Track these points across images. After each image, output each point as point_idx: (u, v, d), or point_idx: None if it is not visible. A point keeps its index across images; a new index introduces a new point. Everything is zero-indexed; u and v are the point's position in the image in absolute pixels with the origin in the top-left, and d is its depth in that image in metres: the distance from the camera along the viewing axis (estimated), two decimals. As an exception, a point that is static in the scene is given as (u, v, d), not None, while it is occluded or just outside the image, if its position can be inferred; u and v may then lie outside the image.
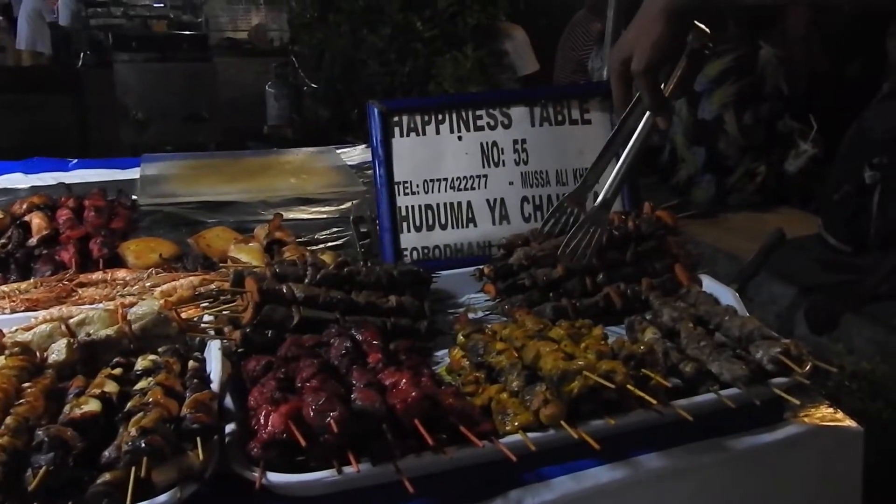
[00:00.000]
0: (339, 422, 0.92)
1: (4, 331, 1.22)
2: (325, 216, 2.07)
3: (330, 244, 1.83)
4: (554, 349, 1.11)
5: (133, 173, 2.31)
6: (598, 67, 4.63)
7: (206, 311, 1.30)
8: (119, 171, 2.38)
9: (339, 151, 2.63)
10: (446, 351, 1.32)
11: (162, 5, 8.82)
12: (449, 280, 1.53)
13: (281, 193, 2.17)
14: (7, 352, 1.14)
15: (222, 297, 1.37)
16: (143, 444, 0.90)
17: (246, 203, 2.10)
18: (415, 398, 0.97)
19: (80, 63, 6.76)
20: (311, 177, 2.33)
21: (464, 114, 1.66)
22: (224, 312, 1.31)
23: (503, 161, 1.66)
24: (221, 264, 1.55)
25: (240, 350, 1.23)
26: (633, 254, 1.47)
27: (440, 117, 1.65)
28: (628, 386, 1.04)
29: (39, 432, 0.93)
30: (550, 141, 1.68)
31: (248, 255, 1.64)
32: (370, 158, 1.66)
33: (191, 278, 1.44)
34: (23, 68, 8.35)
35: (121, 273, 1.54)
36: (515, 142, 1.67)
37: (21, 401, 1.02)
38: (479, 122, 1.66)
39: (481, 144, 1.66)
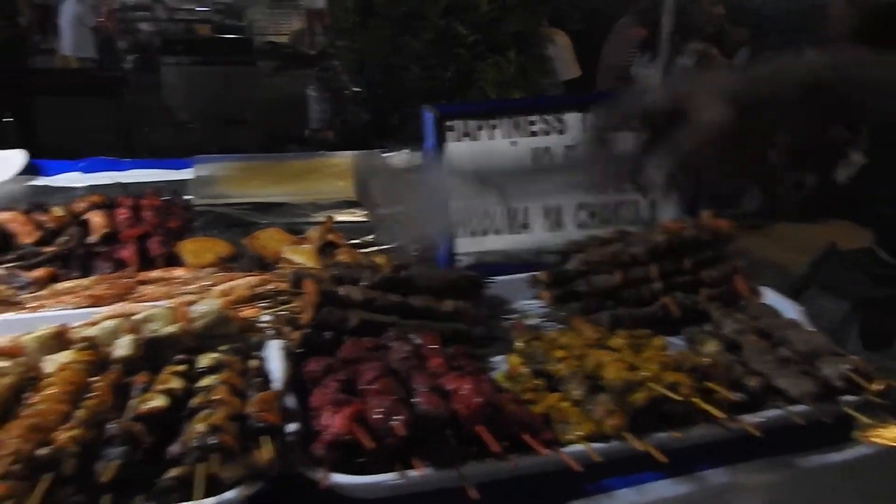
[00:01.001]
0: (404, 425, 0.92)
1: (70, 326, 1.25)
2: (373, 220, 2.07)
3: (381, 247, 1.83)
4: (616, 359, 1.10)
5: (185, 174, 2.35)
6: (643, 74, 4.61)
7: (264, 312, 1.32)
8: (171, 171, 2.42)
9: (384, 156, 2.63)
10: (501, 357, 1.31)
11: (206, 9, 8.98)
12: (502, 286, 1.53)
13: (330, 196, 2.18)
14: (75, 346, 1.16)
15: (279, 298, 1.38)
16: (212, 441, 0.91)
17: (295, 205, 2.12)
18: (478, 404, 0.97)
19: (126, 66, 6.90)
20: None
21: (517, 120, 1.65)
22: (281, 313, 1.33)
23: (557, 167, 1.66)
24: (277, 265, 1.57)
25: (299, 351, 1.24)
26: (691, 263, 1.45)
27: (493, 123, 1.65)
28: (694, 399, 1.02)
29: (110, 426, 0.95)
30: (605, 148, 1.67)
31: (301, 256, 1.65)
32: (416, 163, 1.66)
33: (248, 278, 1.46)
34: (70, 71, 8.55)
35: (179, 272, 1.56)
36: (569, 148, 1.66)
37: (90, 394, 1.04)
38: (533, 128, 1.66)
39: (534, 150, 1.66)
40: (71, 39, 8.73)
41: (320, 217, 2.03)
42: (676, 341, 1.33)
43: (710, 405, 1.03)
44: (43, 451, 0.88)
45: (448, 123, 1.62)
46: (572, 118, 1.66)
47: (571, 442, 1.01)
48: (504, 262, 1.64)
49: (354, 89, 5.83)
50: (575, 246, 1.49)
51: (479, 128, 1.63)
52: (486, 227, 1.64)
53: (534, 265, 1.61)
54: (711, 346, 1.23)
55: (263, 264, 1.65)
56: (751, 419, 1.05)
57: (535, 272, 1.52)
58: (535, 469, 0.99)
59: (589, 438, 1.01)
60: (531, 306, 1.52)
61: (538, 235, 1.65)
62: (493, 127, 1.64)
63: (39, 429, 0.92)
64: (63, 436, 0.92)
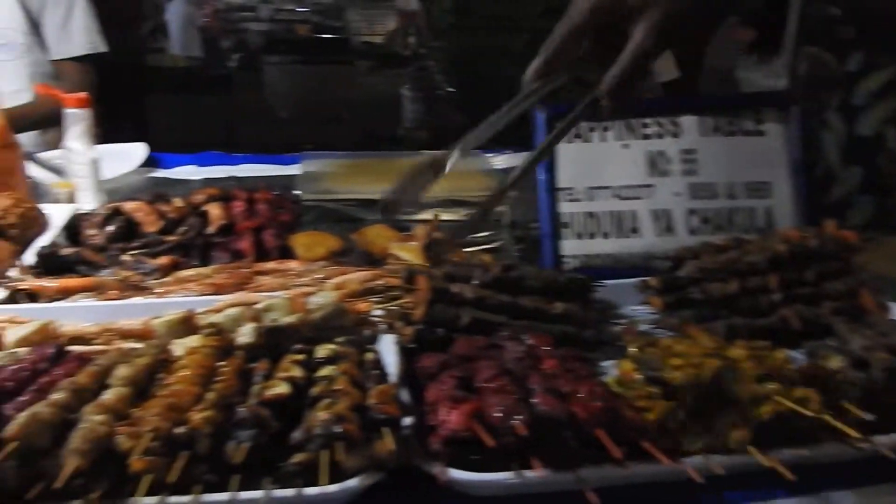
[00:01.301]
0: (526, 425, 0.92)
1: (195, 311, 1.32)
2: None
3: (485, 247, 1.84)
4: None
5: (292, 169, 2.43)
6: (749, 78, 4.45)
7: (378, 307, 1.34)
8: (279, 167, 2.50)
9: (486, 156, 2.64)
10: (611, 362, 1.30)
11: (306, 10, 9.23)
12: (609, 290, 1.51)
13: (433, 195, 2.20)
14: (203, 332, 1.22)
15: (390, 294, 1.41)
16: (336, 430, 0.94)
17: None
18: (598, 408, 0.96)
19: (230, 65, 7.19)
20: (460, 179, 2.35)
21: (631, 121, 1.63)
22: (392, 308, 1.35)
23: (670, 171, 1.62)
24: (385, 261, 1.60)
25: (411, 346, 1.26)
26: (813, 274, 1.39)
27: (605, 124, 1.63)
28: (824, 416, 0.98)
29: (240, 409, 0.99)
30: (721, 152, 1.62)
31: (408, 253, 1.67)
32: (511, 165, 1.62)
33: (360, 273, 1.49)
34: (178, 69, 8.96)
35: (292, 264, 1.62)
36: (684, 152, 1.62)
37: (218, 378, 1.09)
38: (647, 131, 1.63)
39: (648, 153, 1.63)
40: (179, 39, 9.16)
41: (424, 215, 2.06)
42: (796, 355, 1.28)
43: (841, 423, 0.99)
44: (180, 430, 0.93)
45: (559, 124, 1.60)
46: (688, 121, 1.62)
47: (691, 453, 0.99)
48: (611, 266, 1.62)
49: (448, 89, 5.88)
50: (688, 252, 1.46)
51: (591, 129, 1.62)
52: (594, 231, 1.62)
53: (642, 270, 1.59)
54: (836, 362, 1.18)
55: (372, 260, 1.69)
56: (884, 440, 1.00)
57: (643, 277, 1.49)
58: (654, 477, 0.97)
59: (710, 450, 0.99)
60: (639, 312, 1.50)
61: (648, 240, 1.62)
62: (605, 129, 1.62)
63: (175, 408, 0.97)
64: (197, 416, 0.96)
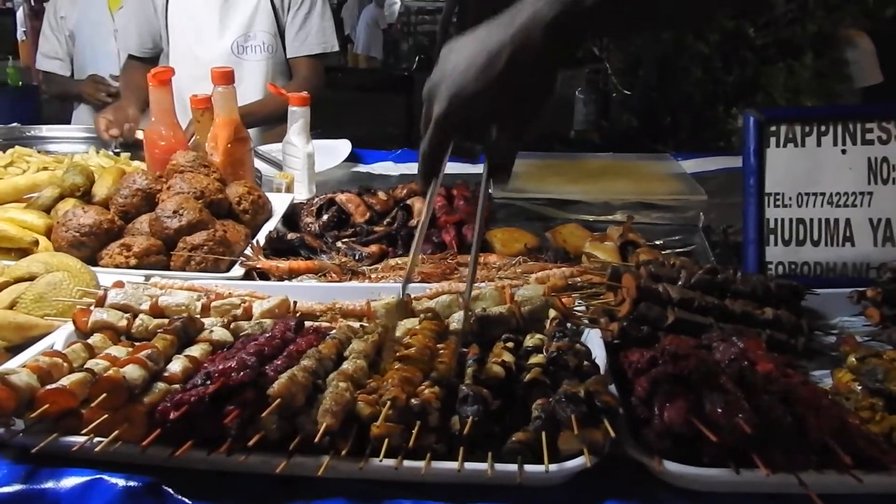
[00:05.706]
0: (750, 423, 0.92)
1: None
2: (667, 222, 2.07)
3: (678, 250, 1.82)
4: (981, 388, 1.00)
5: (479, 168, 2.51)
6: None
7: (585, 303, 1.38)
8: (467, 165, 2.60)
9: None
10: (823, 372, 1.26)
11: (482, 13, 9.45)
12: (818, 299, 1.45)
13: (623, 196, 2.21)
14: (421, 315, 1.31)
15: (592, 290, 1.44)
16: (558, 413, 0.99)
17: (590, 203, 2.18)
18: (827, 413, 0.94)
19: (414, 66, 7.50)
20: (650, 182, 2.34)
21: (850, 126, 1.55)
22: (593, 305, 1.39)
23: (893, 179, 1.53)
24: (589, 259, 1.63)
25: (615, 341, 1.29)
26: None
27: (823, 128, 1.56)
28: None
29: (463, 387, 1.07)
30: (954, 159, 1.51)
31: (603, 252, 1.70)
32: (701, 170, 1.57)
33: (563, 269, 1.54)
34: (361, 70, 9.50)
35: (492, 258, 1.69)
36: None
37: (439, 359, 1.18)
38: (869, 136, 1.55)
39: (868, 160, 1.54)
40: (365, 40, 9.74)
41: (614, 216, 2.08)
42: None
43: None
44: (415, 402, 1.02)
45: (772, 128, 1.57)
46: (917, 126, 1.52)
47: (924, 470, 0.95)
48: (819, 274, 1.56)
49: (626, 92, 5.78)
50: (914, 263, 1.38)
51: (807, 133, 1.56)
52: (802, 238, 1.57)
53: (854, 280, 1.52)
54: None
55: (566, 257, 1.73)
56: None
57: (858, 288, 1.43)
58: (884, 489, 0.94)
59: (948, 470, 0.94)
60: (853, 323, 1.43)
61: (863, 250, 1.54)
62: (823, 133, 1.55)
63: (409, 382, 1.06)
64: (427, 391, 1.05)
